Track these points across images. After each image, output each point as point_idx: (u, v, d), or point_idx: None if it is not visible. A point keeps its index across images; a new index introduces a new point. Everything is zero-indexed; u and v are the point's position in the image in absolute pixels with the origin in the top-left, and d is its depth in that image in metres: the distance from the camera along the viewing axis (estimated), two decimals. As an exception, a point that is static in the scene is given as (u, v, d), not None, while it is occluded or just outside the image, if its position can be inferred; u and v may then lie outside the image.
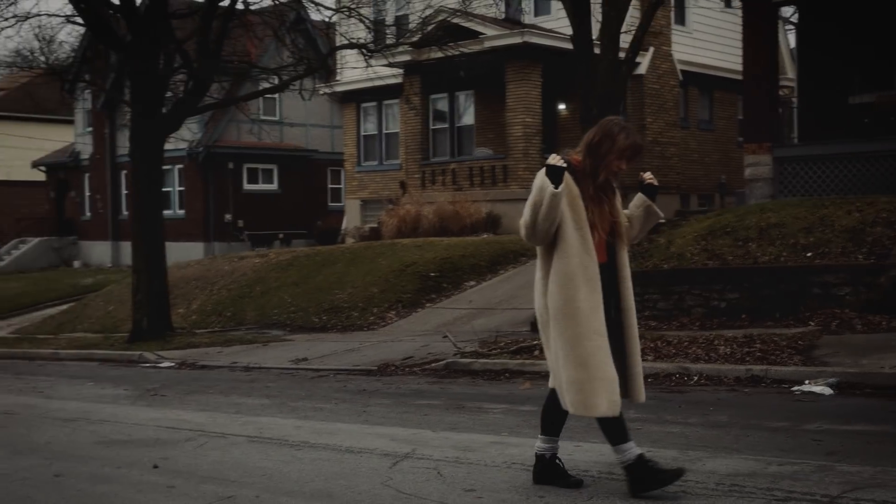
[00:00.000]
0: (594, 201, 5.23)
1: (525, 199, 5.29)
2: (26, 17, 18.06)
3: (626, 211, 5.46)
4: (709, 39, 26.42)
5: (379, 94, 27.53)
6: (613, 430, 5.19)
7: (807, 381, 9.07)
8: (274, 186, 35.38)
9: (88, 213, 38.64)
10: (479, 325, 15.25)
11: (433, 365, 12.25)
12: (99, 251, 37.88)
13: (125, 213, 36.91)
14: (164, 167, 34.58)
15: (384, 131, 28.66)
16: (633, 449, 5.16)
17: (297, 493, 5.73)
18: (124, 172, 36.74)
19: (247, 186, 34.65)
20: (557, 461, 5.56)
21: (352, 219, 29.20)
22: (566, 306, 5.14)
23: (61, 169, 40.23)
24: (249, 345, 16.35)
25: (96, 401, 10.74)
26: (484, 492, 5.49)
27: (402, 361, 12.79)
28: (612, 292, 5.25)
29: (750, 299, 13.17)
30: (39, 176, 42.13)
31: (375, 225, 25.84)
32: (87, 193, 38.62)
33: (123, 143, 35.68)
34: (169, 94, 19.03)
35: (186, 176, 34.35)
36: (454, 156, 25.74)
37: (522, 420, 7.93)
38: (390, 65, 20.52)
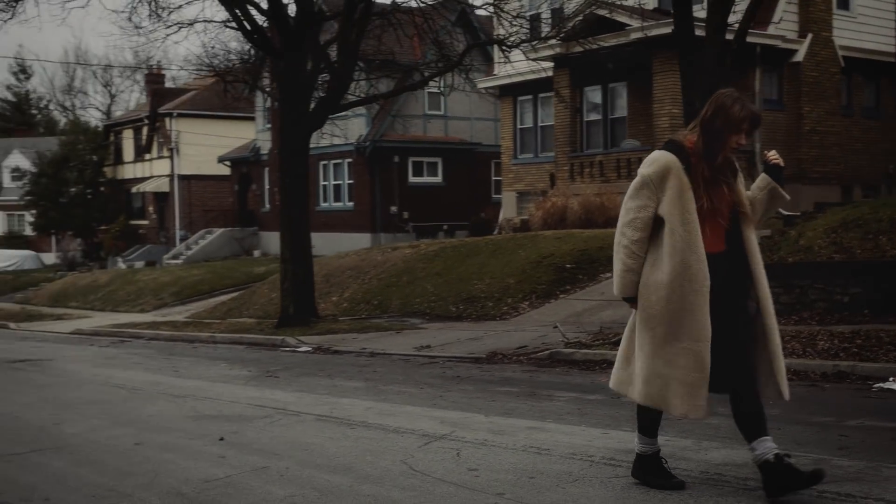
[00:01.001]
0: (711, 184, 4.89)
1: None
2: (190, 23, 19.39)
3: (747, 192, 5.10)
4: (875, 24, 25.29)
5: (534, 87, 27.85)
6: (649, 421, 5.20)
7: (890, 378, 8.86)
8: (438, 179, 36.24)
9: (267, 206, 40.72)
10: (605, 317, 15.42)
11: (538, 354, 12.56)
12: (276, 241, 39.68)
13: (300, 205, 38.72)
14: (335, 161, 36.40)
15: (539, 124, 28.93)
16: (655, 445, 5.25)
17: (323, 466, 6.24)
18: (300, 166, 38.56)
19: (412, 179, 35.67)
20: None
21: (508, 210, 29.65)
22: (658, 305, 4.91)
23: (244, 163, 42.57)
24: (384, 332, 17.08)
25: (215, 380, 11.64)
26: (484, 471, 5.82)
27: (515, 350, 13.14)
28: (742, 281, 4.99)
29: (873, 294, 12.78)
30: (225, 170, 44.72)
31: (526, 217, 26.20)
32: (267, 186, 40.70)
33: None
34: (320, 94, 19.99)
35: (355, 170, 35.69)
36: (607, 147, 25.74)
37: (577, 408, 8.17)
38: (532, 60, 20.74)
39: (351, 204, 36.06)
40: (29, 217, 52.75)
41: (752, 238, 5.04)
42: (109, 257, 46.24)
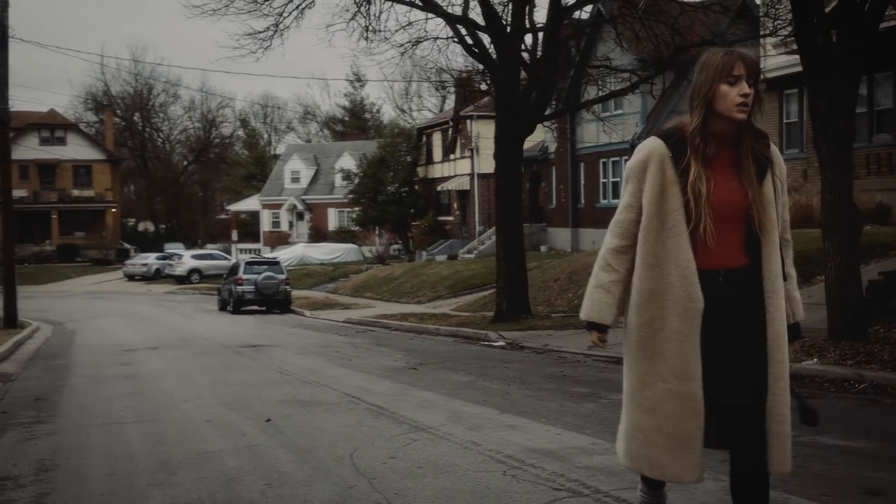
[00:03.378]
0: (709, 168, 3.85)
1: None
2: (417, 41, 21.04)
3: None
4: None
5: (800, 80, 26.86)
6: (652, 496, 4.27)
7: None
8: (716, 175, 35.67)
9: (554, 202, 42.03)
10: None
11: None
12: (562, 237, 41.10)
13: (583, 202, 39.69)
14: (613, 159, 36.98)
15: (805, 118, 27.81)
16: (660, 496, 4.27)
17: (293, 448, 7.32)
18: (583, 165, 39.53)
19: (687, 175, 35.39)
20: None
21: (772, 208, 28.76)
22: (639, 331, 3.96)
23: (534, 162, 44.09)
24: (580, 330, 17.65)
25: (361, 370, 13.00)
26: (397, 461, 6.63)
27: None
28: (756, 311, 3.88)
29: None
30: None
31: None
32: (554, 184, 42.00)
33: (581, 139, 38.50)
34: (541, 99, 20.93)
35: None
36: (870, 141, 24.42)
37: (594, 411, 8.65)
38: (780, 54, 20.30)
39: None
40: (353, 214, 57.82)
41: (774, 255, 3.92)
42: (417, 251, 49.73)
